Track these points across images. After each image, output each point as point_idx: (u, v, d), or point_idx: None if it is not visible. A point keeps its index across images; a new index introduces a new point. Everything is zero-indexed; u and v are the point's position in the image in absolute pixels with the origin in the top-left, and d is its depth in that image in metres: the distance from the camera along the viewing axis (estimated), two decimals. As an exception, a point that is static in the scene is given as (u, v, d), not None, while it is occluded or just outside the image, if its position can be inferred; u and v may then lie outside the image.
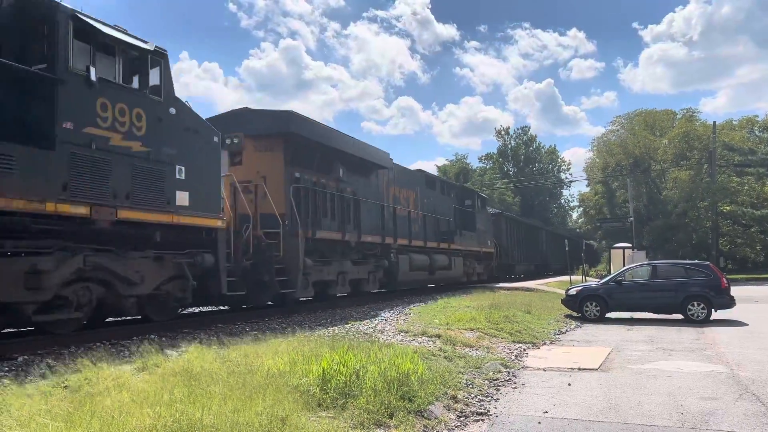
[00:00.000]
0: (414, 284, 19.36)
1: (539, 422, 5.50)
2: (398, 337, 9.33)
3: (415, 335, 9.46)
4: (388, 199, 17.13)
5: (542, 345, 10.51)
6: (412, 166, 25.31)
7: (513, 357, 9.01)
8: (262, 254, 11.56)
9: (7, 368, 6.10)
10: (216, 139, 9.93)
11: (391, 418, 4.94)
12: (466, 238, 23.06)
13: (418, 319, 11.56)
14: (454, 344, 8.95)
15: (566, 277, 29.78)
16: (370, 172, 16.34)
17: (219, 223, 9.86)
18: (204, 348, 6.91)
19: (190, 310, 11.64)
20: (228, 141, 11.46)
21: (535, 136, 78.57)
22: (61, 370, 5.75)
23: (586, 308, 14.95)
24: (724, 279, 14.49)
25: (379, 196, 16.65)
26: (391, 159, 17.86)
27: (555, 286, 25.21)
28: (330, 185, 14.00)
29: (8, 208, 6.59)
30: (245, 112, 13.02)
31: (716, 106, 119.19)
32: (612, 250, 33.24)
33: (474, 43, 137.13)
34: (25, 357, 6.66)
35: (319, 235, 13.00)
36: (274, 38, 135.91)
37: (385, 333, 9.67)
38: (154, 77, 8.79)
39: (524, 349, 9.80)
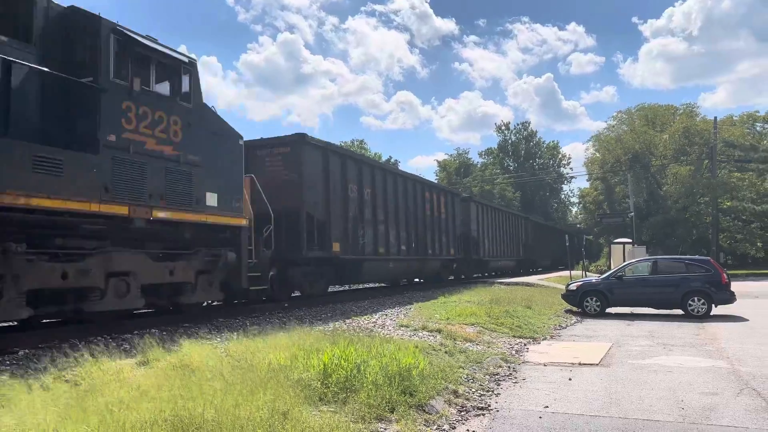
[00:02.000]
0: None
1: (540, 417, 5.50)
2: (399, 331, 9.33)
3: (415, 330, 9.46)
4: None
5: (543, 340, 10.52)
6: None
7: (513, 352, 9.01)
8: None
9: (8, 362, 6.10)
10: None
11: (393, 412, 4.94)
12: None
13: (418, 314, 11.56)
14: (454, 339, 8.96)
15: (563, 273, 29.81)
16: None
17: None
18: (205, 342, 6.90)
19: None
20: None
21: (536, 131, 78.63)
22: (62, 365, 5.74)
23: (587, 303, 14.97)
24: (724, 275, 14.49)
25: None
26: None
27: (555, 281, 25.24)
28: None
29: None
30: None
31: (716, 101, 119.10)
32: (612, 246, 33.24)
33: (473, 38, 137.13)
34: (26, 351, 6.67)
35: None
36: (272, 32, 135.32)
37: (386, 328, 9.67)
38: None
39: (525, 344, 9.81)
